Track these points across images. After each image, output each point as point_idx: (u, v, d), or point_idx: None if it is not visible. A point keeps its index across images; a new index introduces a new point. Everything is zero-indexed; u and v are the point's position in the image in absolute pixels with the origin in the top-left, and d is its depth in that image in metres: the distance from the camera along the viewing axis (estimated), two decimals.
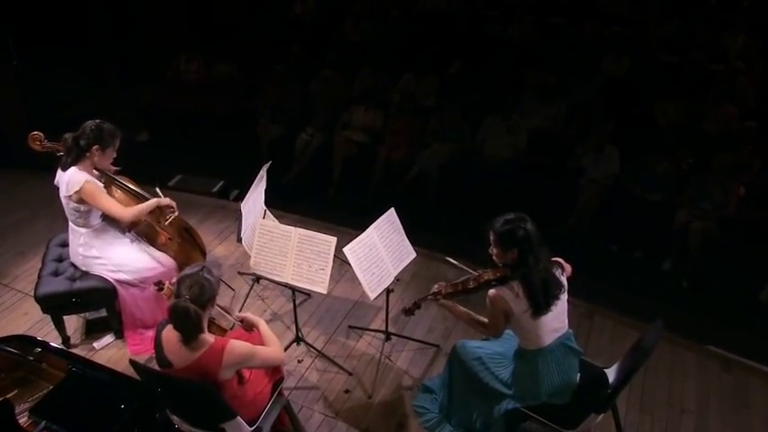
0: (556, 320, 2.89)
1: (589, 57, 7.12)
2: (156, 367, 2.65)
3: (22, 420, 2.39)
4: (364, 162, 6.24)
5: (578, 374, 2.98)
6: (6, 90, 6.49)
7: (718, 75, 6.61)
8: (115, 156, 3.61)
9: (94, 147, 3.46)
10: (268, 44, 7.75)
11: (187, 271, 2.56)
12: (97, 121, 3.50)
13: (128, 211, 3.61)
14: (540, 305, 2.78)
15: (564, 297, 2.88)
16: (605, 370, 3.12)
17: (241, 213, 3.82)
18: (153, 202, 3.70)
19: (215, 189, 5.91)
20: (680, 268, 5.23)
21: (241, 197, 3.90)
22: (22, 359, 2.61)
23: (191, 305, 2.40)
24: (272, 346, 2.74)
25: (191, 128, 6.83)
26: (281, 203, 5.10)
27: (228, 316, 3.16)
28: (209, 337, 2.53)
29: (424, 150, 6.09)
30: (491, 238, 2.84)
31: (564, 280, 2.89)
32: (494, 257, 2.88)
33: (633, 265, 5.37)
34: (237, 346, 2.54)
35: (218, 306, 2.79)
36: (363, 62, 7.14)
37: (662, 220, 5.30)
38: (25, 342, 2.69)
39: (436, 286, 3.12)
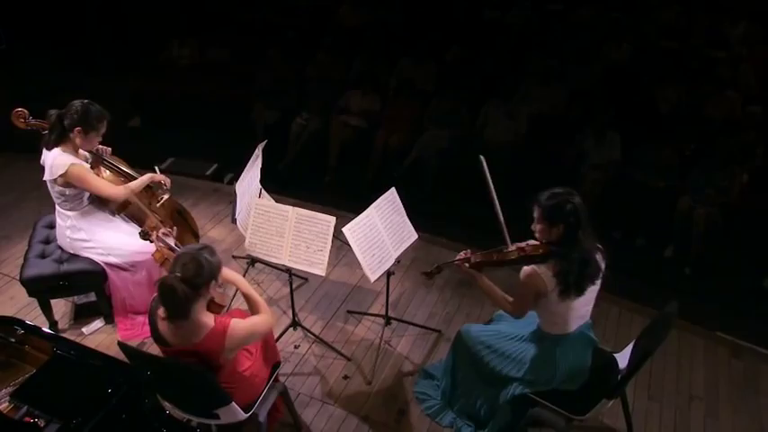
0: (583, 307, 2.77)
1: (588, 42, 7.00)
2: (149, 351, 2.52)
3: (2, 406, 2.25)
4: (361, 148, 6.10)
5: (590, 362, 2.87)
6: None
7: (719, 61, 6.51)
8: (100, 140, 3.43)
9: (76, 128, 3.28)
10: (262, 29, 7.59)
11: (186, 249, 2.44)
12: (86, 101, 3.32)
13: (120, 190, 3.46)
14: (570, 286, 2.62)
15: (597, 284, 2.73)
16: (615, 355, 3.02)
17: (236, 194, 3.69)
18: (146, 177, 3.55)
19: (208, 172, 5.76)
20: (683, 255, 5.14)
21: (235, 180, 3.76)
22: (3, 341, 2.47)
23: (179, 284, 2.26)
24: (259, 310, 2.61)
25: (183, 113, 6.66)
26: (276, 189, 4.94)
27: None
28: (209, 320, 2.40)
29: (423, 135, 5.97)
30: (535, 212, 2.67)
31: (603, 266, 2.72)
32: (536, 234, 2.71)
33: (635, 251, 5.27)
34: (239, 327, 2.42)
35: None
36: (360, 47, 7.00)
37: (664, 206, 5.20)
38: (7, 324, 2.54)
39: (463, 253, 2.95)
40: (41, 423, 2.17)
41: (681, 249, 5.17)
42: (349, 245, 3.21)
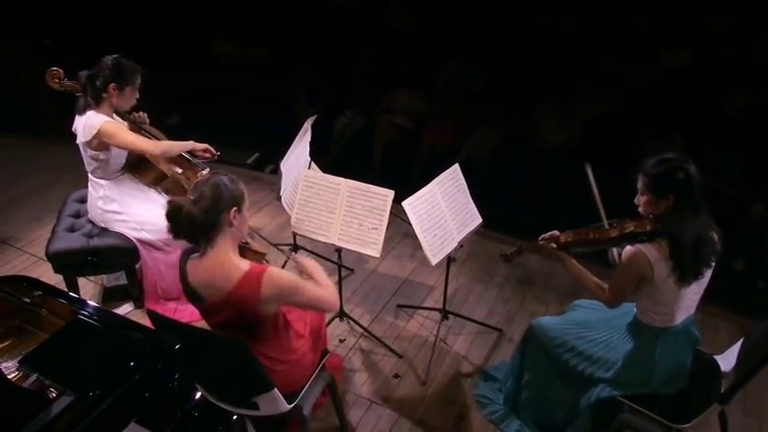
0: (693, 296, 2.38)
1: (644, 48, 6.66)
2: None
3: (12, 375, 1.92)
4: (406, 147, 5.82)
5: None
6: (36, 64, 6.26)
7: None
8: (137, 96, 3.20)
9: (111, 85, 3.05)
10: (304, 26, 7.43)
11: (203, 178, 2.18)
12: (115, 55, 3.11)
13: (154, 144, 3.18)
14: (686, 270, 2.24)
15: (711, 268, 2.34)
16: (715, 357, 2.59)
17: (281, 172, 3.37)
18: (188, 143, 3.29)
19: (249, 161, 5.53)
20: (754, 268, 4.66)
21: (276, 171, 3.43)
22: (16, 303, 2.15)
23: (188, 205, 2.06)
24: (326, 290, 2.26)
25: (224, 109, 6.49)
26: None
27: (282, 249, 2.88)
28: (242, 264, 2.10)
29: (473, 135, 5.67)
30: (640, 182, 2.32)
31: (718, 248, 2.33)
32: (640, 208, 2.36)
33: None
34: (278, 273, 2.10)
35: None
36: (404, 47, 6.78)
37: (734, 214, 4.76)
38: (22, 284, 2.23)
39: (548, 234, 2.62)
40: (52, 394, 1.83)
41: (752, 262, 4.70)
42: (409, 223, 2.85)
